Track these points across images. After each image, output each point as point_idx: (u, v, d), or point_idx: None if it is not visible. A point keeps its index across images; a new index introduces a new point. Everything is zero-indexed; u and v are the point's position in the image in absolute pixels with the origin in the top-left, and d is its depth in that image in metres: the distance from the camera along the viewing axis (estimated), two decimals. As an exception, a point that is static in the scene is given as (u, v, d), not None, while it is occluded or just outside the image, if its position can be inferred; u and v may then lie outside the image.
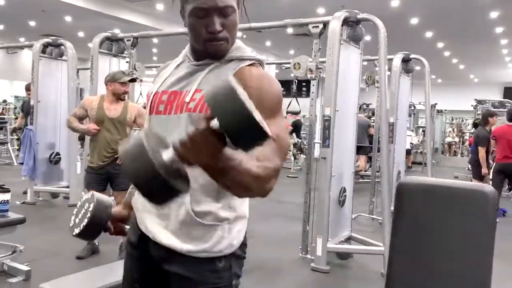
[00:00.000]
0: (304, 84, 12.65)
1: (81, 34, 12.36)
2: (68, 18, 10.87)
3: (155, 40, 12.30)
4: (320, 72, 4.07)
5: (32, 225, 4.68)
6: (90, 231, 1.34)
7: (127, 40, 5.52)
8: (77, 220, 1.36)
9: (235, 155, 0.91)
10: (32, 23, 11.75)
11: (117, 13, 9.47)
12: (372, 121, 8.93)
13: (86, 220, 1.32)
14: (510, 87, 19.90)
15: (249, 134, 0.81)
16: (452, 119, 20.43)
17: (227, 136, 0.82)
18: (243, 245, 1.28)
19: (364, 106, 13.05)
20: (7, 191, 3.31)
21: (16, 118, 11.37)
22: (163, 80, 1.29)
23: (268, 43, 12.79)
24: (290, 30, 9.20)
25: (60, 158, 6.11)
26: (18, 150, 9.10)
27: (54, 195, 6.18)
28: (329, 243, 3.81)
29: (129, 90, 3.81)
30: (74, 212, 1.39)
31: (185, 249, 1.19)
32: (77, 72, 9.19)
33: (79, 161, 6.20)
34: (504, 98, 17.10)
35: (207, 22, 1.14)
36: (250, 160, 0.96)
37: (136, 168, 0.84)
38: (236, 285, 1.26)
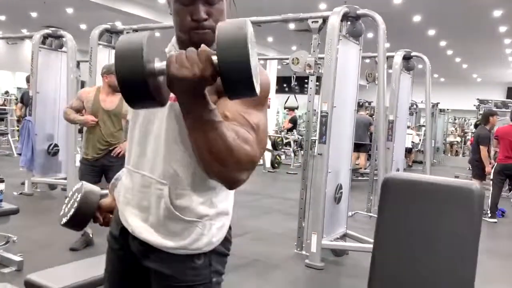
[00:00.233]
0: (306, 80, 12.63)
1: (83, 26, 12.35)
2: (69, 10, 10.85)
3: (156, 34, 12.26)
4: (319, 67, 4.04)
5: (27, 216, 4.69)
6: (77, 220, 1.34)
7: (127, 33, 5.49)
8: (66, 210, 1.36)
9: (217, 112, 0.92)
10: (34, 14, 11.73)
11: (118, 5, 9.46)
12: (374, 119, 8.91)
13: (73, 210, 1.32)
14: (514, 87, 19.84)
15: (240, 82, 0.83)
16: (455, 119, 20.38)
17: (220, 72, 0.83)
18: (227, 241, 1.26)
19: (366, 104, 13.04)
20: (1, 181, 3.29)
21: (22, 116, 11.38)
22: None
23: (270, 39, 12.75)
24: (292, 26, 9.16)
25: (58, 149, 6.10)
26: (18, 141, 9.11)
27: (52, 186, 6.18)
28: (324, 239, 3.80)
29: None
30: (65, 202, 1.39)
31: (163, 245, 1.17)
32: (78, 64, 9.19)
33: (79, 153, 6.20)
34: (507, 98, 17.04)
35: (192, 10, 1.11)
36: (230, 130, 0.96)
37: (125, 66, 0.84)
38: (218, 282, 1.24)
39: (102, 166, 3.61)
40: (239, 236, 4.69)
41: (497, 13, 8.94)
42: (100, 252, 3.68)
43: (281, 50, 13.84)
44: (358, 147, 9.37)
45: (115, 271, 1.34)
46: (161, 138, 1.16)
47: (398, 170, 6.02)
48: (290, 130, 11.77)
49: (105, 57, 5.53)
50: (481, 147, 6.45)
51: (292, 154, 11.00)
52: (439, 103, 15.17)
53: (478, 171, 6.64)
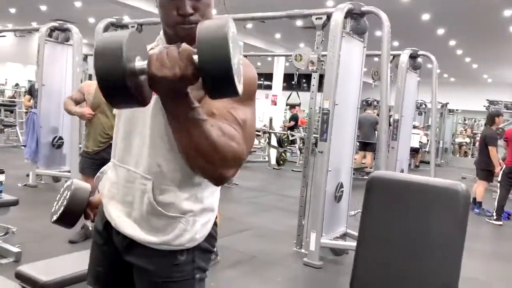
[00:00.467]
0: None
1: (91, 20, 12.39)
2: (78, 4, 10.89)
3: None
4: (322, 65, 4.00)
5: (29, 208, 4.72)
6: (67, 218, 1.35)
7: (131, 26, 5.50)
8: (56, 207, 1.37)
9: (201, 110, 0.91)
10: (43, 8, 11.80)
11: (126, -1, 9.47)
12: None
13: (62, 208, 1.32)
14: (525, 88, 19.57)
15: (221, 82, 0.81)
16: (465, 120, 20.17)
17: (200, 73, 0.81)
18: (211, 238, 1.25)
19: (375, 103, 12.93)
20: (2, 172, 3.31)
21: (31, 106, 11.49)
22: None
23: (277, 36, 12.69)
24: (299, 23, 9.11)
25: (62, 142, 6.13)
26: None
27: (56, 179, 6.22)
28: (323, 238, 3.77)
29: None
30: (56, 199, 1.39)
31: (146, 241, 1.17)
32: (86, 57, 9.23)
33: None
34: (518, 99, 16.79)
35: (178, 4, 1.09)
36: (215, 128, 0.94)
37: (104, 66, 0.81)
38: (201, 278, 1.23)
39: (102, 159, 3.60)
40: (239, 232, 4.69)
41: (508, 12, 8.81)
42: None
43: (288, 47, 13.78)
44: (364, 146, 9.32)
45: (99, 265, 1.33)
46: (146, 133, 1.15)
47: (402, 170, 5.96)
48: (292, 128, 11.72)
49: (110, 51, 5.52)
50: (489, 147, 6.40)
51: (298, 152, 10.97)
52: (448, 103, 15.02)
53: (485, 173, 6.57)
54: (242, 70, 1.04)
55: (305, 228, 4.09)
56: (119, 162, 1.22)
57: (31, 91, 8.06)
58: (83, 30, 6.04)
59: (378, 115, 10.35)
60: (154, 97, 1.12)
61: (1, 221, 3.41)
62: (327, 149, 3.70)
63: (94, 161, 3.61)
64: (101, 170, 1.37)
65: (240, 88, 0.85)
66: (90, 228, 3.86)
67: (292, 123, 11.92)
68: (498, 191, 6.32)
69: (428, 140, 13.87)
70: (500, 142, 6.93)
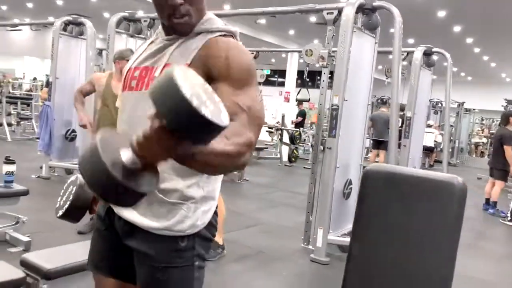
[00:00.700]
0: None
1: (106, 14, 12.50)
2: (93, -2, 11.03)
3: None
4: (333, 60, 3.97)
5: (41, 199, 4.79)
6: (73, 213, 1.37)
7: (144, 21, 5.53)
8: (61, 203, 1.38)
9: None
10: (59, 2, 11.94)
11: (141, -6, 9.53)
12: (400, 116, 8.72)
13: (68, 203, 1.34)
14: (545, 88, 19.15)
15: (198, 130, 0.73)
16: (482, 119, 19.83)
17: (176, 135, 0.75)
18: (211, 226, 1.26)
19: (390, 101, 12.76)
20: (12, 162, 3.37)
21: (45, 98, 11.70)
22: (137, 56, 1.29)
23: (291, 32, 12.64)
24: (312, 19, 9.05)
25: (75, 135, 6.21)
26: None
27: (69, 171, 6.30)
28: (331, 235, 3.75)
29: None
30: (61, 194, 1.40)
31: (147, 226, 1.18)
32: (101, 52, 9.32)
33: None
34: (537, 99, 16.43)
35: None
36: (216, 142, 0.91)
37: (90, 171, 0.79)
38: (200, 266, 1.24)
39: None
40: (247, 227, 4.70)
41: (528, 10, 8.62)
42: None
43: (302, 43, 13.69)
44: (378, 144, 9.22)
45: (100, 250, 1.36)
46: (145, 124, 1.16)
47: (414, 168, 5.90)
48: (299, 124, 11.66)
49: (123, 45, 5.58)
50: (505, 146, 6.30)
51: (310, 149, 10.92)
52: (464, 102, 14.79)
53: (501, 172, 6.47)
54: (235, 57, 1.07)
55: (312, 225, 4.07)
56: None
57: (48, 84, 8.20)
58: (98, 25, 6.09)
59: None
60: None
61: (12, 211, 3.47)
62: (336, 145, 3.67)
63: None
64: None
65: (223, 118, 0.77)
66: (99, 220, 3.91)
67: (300, 119, 11.88)
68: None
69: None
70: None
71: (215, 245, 3.46)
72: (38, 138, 6.12)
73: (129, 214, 1.20)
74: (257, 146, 11.55)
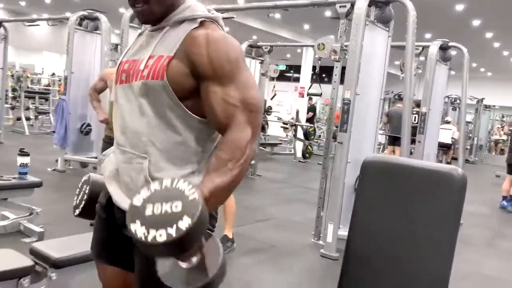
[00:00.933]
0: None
1: (122, 9, 12.59)
2: (109, -7, 11.12)
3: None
4: (345, 54, 3.93)
5: (56, 191, 4.88)
6: (88, 212, 1.43)
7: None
8: (77, 201, 1.43)
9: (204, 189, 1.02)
10: (76, -2, 12.09)
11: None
12: (415, 112, 8.62)
13: (83, 203, 1.39)
14: None
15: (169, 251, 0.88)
16: (503, 116, 19.41)
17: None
18: (211, 217, 1.25)
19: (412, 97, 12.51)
20: (26, 154, 3.42)
21: (59, 91, 11.92)
22: (127, 49, 1.32)
23: (306, 26, 12.54)
24: (327, 13, 8.97)
25: (90, 129, 6.29)
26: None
27: (84, 164, 6.39)
28: (341, 230, 3.72)
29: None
30: (76, 192, 1.44)
31: None
32: (116, 47, 9.39)
33: (111, 134, 6.36)
34: (559, 95, 16.03)
35: None
36: (222, 168, 1.05)
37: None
38: None
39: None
40: (259, 221, 4.70)
41: (550, 3, 8.37)
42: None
43: (317, 38, 13.57)
44: (394, 141, 9.11)
45: (101, 239, 1.38)
46: (139, 115, 1.19)
47: (429, 164, 5.80)
48: (309, 119, 11.59)
49: (137, 40, 5.60)
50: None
51: (325, 145, 10.83)
52: (483, 98, 14.50)
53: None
54: (217, 51, 1.11)
55: (323, 220, 4.05)
56: (117, 144, 1.27)
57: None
58: (113, 20, 6.14)
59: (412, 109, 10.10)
60: (141, 82, 1.16)
61: (26, 202, 3.53)
62: (347, 140, 3.64)
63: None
64: (104, 153, 1.40)
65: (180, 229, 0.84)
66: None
67: (310, 114, 11.80)
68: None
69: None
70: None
71: (225, 238, 3.47)
72: (54, 132, 6.22)
73: (125, 204, 1.21)
74: (270, 142, 11.56)
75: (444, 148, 11.49)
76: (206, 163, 1.21)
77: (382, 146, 11.87)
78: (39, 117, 10.90)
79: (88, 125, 6.26)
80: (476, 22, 10.22)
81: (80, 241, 2.21)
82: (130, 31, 5.34)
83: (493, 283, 3.74)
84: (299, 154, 10.31)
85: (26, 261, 1.94)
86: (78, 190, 1.44)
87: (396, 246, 1.06)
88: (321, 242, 3.99)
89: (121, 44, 5.43)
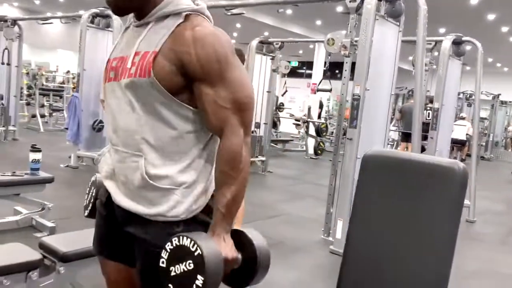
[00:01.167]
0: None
1: (135, 8, 12.68)
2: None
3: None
4: (355, 49, 3.89)
5: (68, 187, 4.95)
6: (96, 213, 1.41)
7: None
8: (87, 202, 1.47)
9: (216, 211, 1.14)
10: (90, -4, 12.19)
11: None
12: (428, 108, 8.51)
13: (91, 205, 1.44)
14: None
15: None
16: (520, 112, 19.06)
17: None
18: (209, 211, 1.25)
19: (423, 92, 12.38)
20: (39, 150, 3.47)
21: (74, 88, 12.07)
22: (114, 46, 1.31)
23: (318, 22, 12.46)
24: (339, 8, 8.90)
25: (102, 126, 6.34)
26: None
27: (96, 160, 6.46)
28: (351, 226, 3.70)
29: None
30: (86, 192, 1.47)
31: (142, 212, 1.20)
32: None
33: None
34: None
35: None
36: (225, 190, 1.12)
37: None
38: None
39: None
40: (269, 218, 4.70)
41: None
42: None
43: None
44: (407, 137, 9.02)
45: (102, 235, 1.39)
46: (129, 114, 1.18)
47: (441, 161, 5.72)
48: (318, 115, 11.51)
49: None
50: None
51: (337, 141, 10.77)
52: (500, 94, 14.25)
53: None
54: (205, 49, 1.10)
55: (333, 216, 4.03)
56: (111, 144, 1.27)
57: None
58: (126, 17, 6.16)
59: (425, 105, 9.98)
60: (129, 80, 1.15)
61: (38, 197, 3.58)
62: (357, 136, 3.61)
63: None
64: (99, 152, 1.40)
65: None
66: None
67: (318, 110, 11.74)
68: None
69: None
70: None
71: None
72: (67, 129, 6.30)
73: (125, 202, 1.23)
74: (282, 139, 11.54)
75: (458, 144, 11.34)
76: (202, 152, 1.21)
77: (395, 142, 11.76)
78: (53, 114, 11.06)
79: (100, 121, 6.32)
80: (491, 16, 10.03)
81: (88, 235, 2.22)
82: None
83: (507, 281, 3.69)
84: (311, 150, 10.27)
85: (35, 255, 1.97)
86: (87, 190, 1.47)
87: (396, 241, 1.04)
88: (330, 238, 3.98)
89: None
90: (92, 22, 6.23)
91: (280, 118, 12.06)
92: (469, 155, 12.42)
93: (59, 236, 2.20)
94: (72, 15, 8.29)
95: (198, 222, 1.22)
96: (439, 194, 0.98)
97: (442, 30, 10.80)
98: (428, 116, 6.60)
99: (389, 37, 3.81)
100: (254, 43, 6.94)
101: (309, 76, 15.97)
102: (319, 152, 10.18)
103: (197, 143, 1.20)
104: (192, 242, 1.03)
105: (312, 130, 10.46)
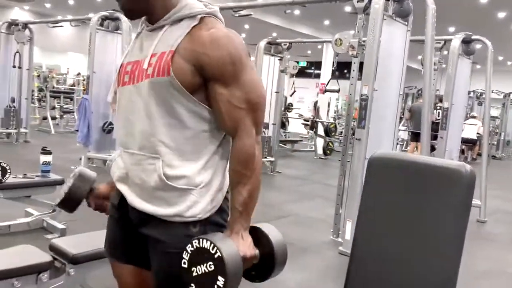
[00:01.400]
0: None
1: (145, 10, 12.75)
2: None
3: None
4: (363, 49, 3.88)
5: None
6: (66, 204, 1.46)
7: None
8: (61, 191, 1.46)
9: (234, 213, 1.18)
10: (98, -1, 12.31)
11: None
12: (438, 107, 8.44)
13: (63, 194, 1.42)
14: None
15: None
16: (533, 111, 18.80)
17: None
18: (223, 212, 1.26)
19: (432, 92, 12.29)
20: (49, 153, 3.51)
21: (84, 90, 12.18)
22: (127, 52, 1.32)
23: (326, 22, 12.43)
24: (347, 8, 8.87)
25: (112, 127, 6.39)
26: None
27: (106, 162, 6.51)
28: (359, 227, 3.69)
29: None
30: (66, 181, 1.47)
31: (158, 213, 1.21)
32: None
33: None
34: None
35: None
36: (241, 189, 1.16)
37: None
38: None
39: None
40: (278, 219, 4.70)
41: None
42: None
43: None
44: (417, 136, 8.97)
45: (115, 238, 1.39)
46: (145, 116, 1.19)
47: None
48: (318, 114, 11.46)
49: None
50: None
51: (346, 142, 10.72)
52: (511, 93, 14.08)
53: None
54: (221, 50, 1.13)
55: (342, 217, 4.02)
56: (124, 148, 1.27)
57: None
58: (135, 20, 6.20)
59: (434, 104, 9.91)
60: (147, 81, 1.16)
61: (49, 199, 3.62)
62: (365, 136, 3.60)
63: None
64: (110, 158, 1.41)
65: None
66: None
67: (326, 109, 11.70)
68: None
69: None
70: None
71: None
72: (77, 130, 6.35)
73: (141, 204, 1.23)
74: (291, 139, 11.52)
75: (469, 143, 11.23)
76: (217, 151, 1.23)
77: (405, 142, 11.67)
78: (64, 116, 11.16)
79: (110, 123, 6.37)
80: (501, 14, 9.93)
81: (98, 237, 2.25)
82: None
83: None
84: (320, 151, 10.24)
85: (45, 257, 1.99)
86: (68, 179, 1.47)
87: (402, 244, 1.04)
88: (339, 239, 3.97)
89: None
90: (101, 25, 6.27)
91: (289, 119, 12.05)
92: (480, 154, 12.33)
93: (69, 238, 2.23)
94: (81, 18, 8.38)
95: (213, 223, 1.23)
96: (447, 196, 0.97)
97: (451, 29, 10.71)
98: (438, 116, 6.56)
99: (397, 37, 3.79)
100: (262, 44, 6.94)
101: (318, 76, 15.94)
102: (328, 152, 10.14)
103: (212, 143, 1.22)
104: (212, 244, 1.07)
105: (321, 130, 10.43)
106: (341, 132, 11.51)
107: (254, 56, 6.99)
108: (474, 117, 11.83)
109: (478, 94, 13.08)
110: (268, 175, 7.23)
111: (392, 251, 1.05)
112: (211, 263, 1.07)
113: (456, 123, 5.59)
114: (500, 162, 12.99)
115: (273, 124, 7.37)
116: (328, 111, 11.96)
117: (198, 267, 1.09)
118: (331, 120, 11.44)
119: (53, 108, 11.04)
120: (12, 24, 7.96)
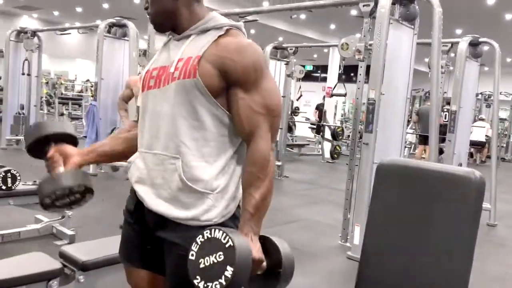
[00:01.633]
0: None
1: (151, 16, 12.83)
2: (137, 0, 11.34)
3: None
4: (370, 53, 3.87)
5: (87, 194, 5.00)
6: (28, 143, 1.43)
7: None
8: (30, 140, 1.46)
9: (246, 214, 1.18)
10: (105, 6, 12.40)
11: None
12: (446, 110, 8.39)
13: (33, 143, 1.43)
14: None
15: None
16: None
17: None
18: (235, 219, 1.29)
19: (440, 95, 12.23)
20: (58, 160, 3.53)
21: (92, 96, 12.28)
22: (153, 60, 1.37)
23: (332, 26, 12.43)
24: (353, 12, 8.87)
25: (120, 133, 6.42)
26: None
27: (115, 168, 6.53)
28: (368, 232, 3.67)
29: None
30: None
31: (176, 216, 1.24)
32: (145, 52, 9.59)
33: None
34: None
35: None
36: (254, 192, 1.17)
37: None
38: None
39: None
40: (285, 223, 4.69)
41: None
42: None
43: (344, 38, 13.42)
44: (424, 140, 8.92)
45: (130, 243, 1.41)
46: (171, 117, 1.24)
47: (460, 164, 5.64)
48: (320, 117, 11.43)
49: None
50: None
51: (353, 145, 10.68)
52: (520, 95, 13.97)
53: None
54: (245, 58, 1.20)
55: (350, 222, 4.00)
56: (147, 149, 1.30)
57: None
58: (142, 26, 6.24)
59: (442, 107, 9.85)
60: (173, 83, 1.19)
61: (58, 206, 3.64)
62: (373, 140, 3.59)
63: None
64: (129, 160, 1.43)
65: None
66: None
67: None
68: None
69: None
70: None
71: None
72: (85, 137, 6.40)
73: (158, 206, 1.26)
74: (298, 143, 11.51)
75: (477, 146, 11.15)
76: (233, 156, 1.27)
77: (413, 145, 11.61)
78: (73, 122, 11.24)
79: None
80: (508, 16, 9.87)
81: (107, 244, 2.28)
82: (156, 37, 5.44)
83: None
84: (327, 154, 10.22)
85: (55, 264, 2.00)
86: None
87: (412, 249, 1.03)
88: (348, 244, 3.95)
89: (148, 50, 5.54)
90: (109, 32, 6.33)
91: (296, 122, 12.04)
92: (489, 157, 12.22)
93: (79, 245, 2.24)
94: (89, 25, 8.46)
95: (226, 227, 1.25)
96: (456, 203, 0.97)
97: (458, 31, 10.66)
98: (446, 118, 6.52)
99: (404, 41, 3.78)
100: (269, 48, 6.96)
101: (324, 79, 15.93)
102: (335, 156, 10.12)
103: (230, 147, 1.26)
104: (224, 234, 1.07)
105: (328, 134, 10.41)
106: (349, 136, 11.52)
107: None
108: (482, 119, 11.76)
109: (486, 96, 12.99)
110: (275, 179, 7.15)
111: (402, 258, 1.05)
112: (221, 253, 1.06)
113: (464, 125, 5.56)
114: (510, 164, 12.87)
115: (280, 128, 7.38)
116: (335, 114, 11.95)
117: (207, 258, 1.08)
118: (338, 124, 11.41)
119: (62, 114, 11.14)
120: (21, 32, 8.04)
